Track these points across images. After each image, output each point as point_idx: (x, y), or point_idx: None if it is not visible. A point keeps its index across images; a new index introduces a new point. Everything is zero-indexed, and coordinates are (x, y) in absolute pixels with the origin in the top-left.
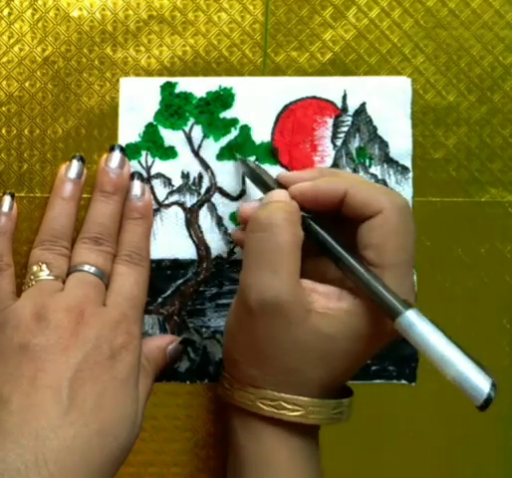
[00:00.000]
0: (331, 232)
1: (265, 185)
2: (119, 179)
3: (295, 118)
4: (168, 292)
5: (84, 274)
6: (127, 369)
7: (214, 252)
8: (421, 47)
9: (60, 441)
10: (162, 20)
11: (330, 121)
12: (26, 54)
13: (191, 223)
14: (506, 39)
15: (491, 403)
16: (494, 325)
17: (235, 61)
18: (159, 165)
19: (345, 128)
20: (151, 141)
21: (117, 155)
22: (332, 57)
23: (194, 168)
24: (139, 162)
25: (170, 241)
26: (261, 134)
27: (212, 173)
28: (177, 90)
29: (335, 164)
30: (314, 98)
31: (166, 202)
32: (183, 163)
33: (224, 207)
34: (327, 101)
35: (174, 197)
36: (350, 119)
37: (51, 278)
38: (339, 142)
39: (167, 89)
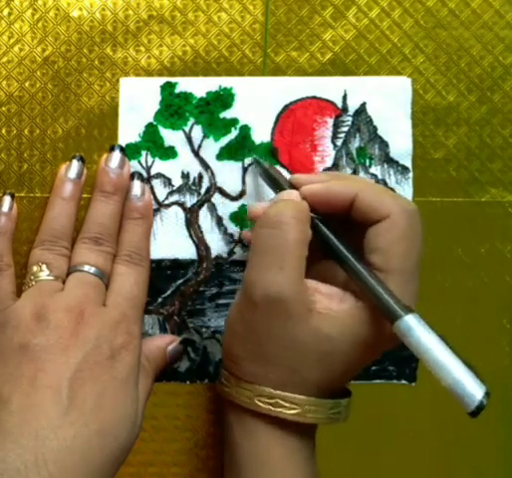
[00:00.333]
0: (338, 234)
1: (277, 185)
2: (119, 179)
3: (295, 118)
4: (168, 292)
5: (84, 274)
6: (126, 369)
7: (214, 252)
8: (421, 47)
9: (60, 441)
10: (162, 20)
11: (330, 122)
12: (26, 54)
13: (191, 223)
14: (506, 39)
15: (483, 411)
16: (494, 325)
17: (235, 61)
18: (159, 165)
19: (345, 128)
20: (151, 141)
21: (117, 155)
22: (332, 57)
23: (194, 168)
24: (139, 162)
25: (170, 241)
26: (261, 134)
27: (212, 173)
28: (177, 90)
29: (335, 164)
30: (314, 98)
31: (166, 202)
32: (183, 163)
33: (224, 207)
34: (327, 101)
35: (174, 197)
36: (350, 119)
37: (51, 278)
38: (339, 142)
39: (167, 89)
